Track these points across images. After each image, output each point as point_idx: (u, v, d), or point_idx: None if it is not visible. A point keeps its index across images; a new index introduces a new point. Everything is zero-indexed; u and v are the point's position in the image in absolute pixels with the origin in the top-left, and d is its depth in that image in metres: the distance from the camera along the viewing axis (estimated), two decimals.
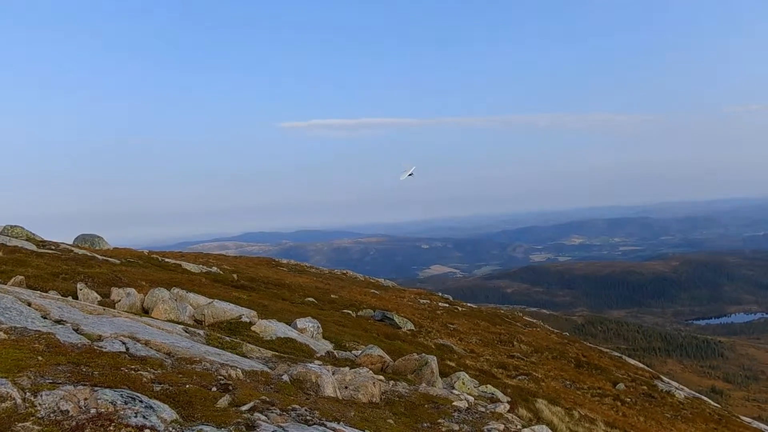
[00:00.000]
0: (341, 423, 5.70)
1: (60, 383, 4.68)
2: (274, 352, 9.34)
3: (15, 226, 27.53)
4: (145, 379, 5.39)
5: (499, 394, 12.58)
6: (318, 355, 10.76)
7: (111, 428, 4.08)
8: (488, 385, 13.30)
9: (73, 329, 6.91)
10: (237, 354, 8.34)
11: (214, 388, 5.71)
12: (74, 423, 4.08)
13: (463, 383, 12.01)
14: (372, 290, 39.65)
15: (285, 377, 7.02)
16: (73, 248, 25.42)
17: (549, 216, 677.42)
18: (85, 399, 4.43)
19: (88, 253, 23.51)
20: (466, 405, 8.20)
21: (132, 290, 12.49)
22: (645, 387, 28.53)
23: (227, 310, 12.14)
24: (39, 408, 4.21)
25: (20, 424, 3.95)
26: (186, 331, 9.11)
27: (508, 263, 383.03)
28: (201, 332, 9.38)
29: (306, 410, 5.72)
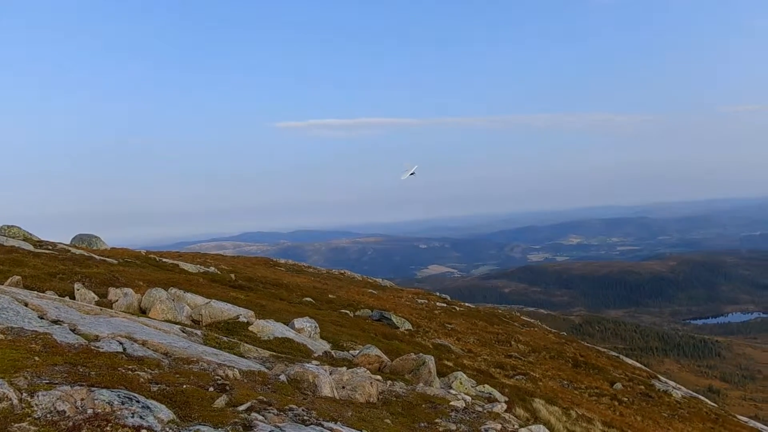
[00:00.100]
0: (338, 423, 5.70)
1: (57, 383, 4.68)
2: (271, 352, 9.34)
3: (12, 226, 27.48)
4: (142, 380, 5.39)
5: (497, 394, 12.61)
6: (315, 355, 10.76)
7: (108, 428, 4.08)
8: (486, 385, 13.32)
9: (70, 329, 6.90)
10: (234, 354, 8.34)
11: (211, 388, 5.71)
12: (71, 423, 4.08)
13: (461, 383, 12.02)
14: (370, 290, 39.65)
15: (282, 377, 7.02)
16: (70, 248, 25.38)
17: (547, 216, 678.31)
18: (82, 399, 4.43)
19: (86, 253, 23.48)
20: (464, 405, 8.22)
21: (129, 290, 12.47)
22: (642, 386, 28.58)
23: (225, 310, 12.13)
24: (36, 408, 4.20)
25: (17, 425, 3.95)
26: (183, 331, 9.11)
27: (506, 263, 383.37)
28: (198, 332, 9.38)
29: (303, 410, 5.73)
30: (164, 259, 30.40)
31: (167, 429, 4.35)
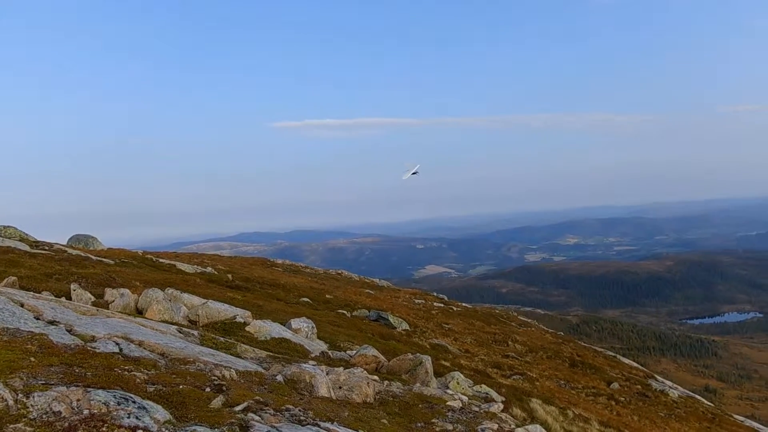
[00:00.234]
0: (335, 423, 5.70)
1: (53, 384, 4.67)
2: (268, 353, 9.33)
3: (8, 226, 27.40)
4: (138, 380, 5.38)
5: (494, 394, 12.62)
6: (312, 355, 10.76)
7: (104, 429, 4.08)
8: (483, 385, 13.34)
9: (66, 330, 6.88)
10: (231, 354, 8.33)
11: (207, 389, 5.71)
12: (67, 424, 4.07)
13: (458, 383, 12.03)
14: (367, 290, 39.65)
15: (279, 377, 7.02)
16: (66, 249, 25.31)
17: (545, 216, 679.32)
18: (78, 400, 4.42)
19: (82, 254, 23.42)
20: (460, 405, 8.22)
21: (126, 291, 12.45)
22: (639, 386, 28.64)
23: (222, 310, 12.12)
24: (31, 409, 4.20)
25: (12, 426, 3.94)
26: (180, 332, 9.09)
27: (503, 263, 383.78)
28: (195, 333, 9.37)
29: (300, 410, 5.73)
30: (161, 260, 30.35)
31: (163, 429, 4.35)
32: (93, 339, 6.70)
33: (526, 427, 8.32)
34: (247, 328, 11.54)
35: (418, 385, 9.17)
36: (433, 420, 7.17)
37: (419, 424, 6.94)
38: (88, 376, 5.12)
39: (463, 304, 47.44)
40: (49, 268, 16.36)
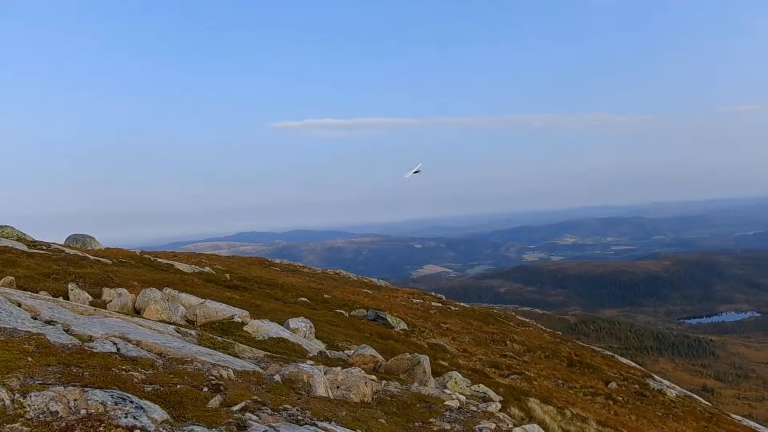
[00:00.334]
0: (332, 423, 5.71)
1: (50, 384, 4.66)
2: (266, 352, 9.33)
3: (5, 226, 27.34)
4: (135, 380, 5.38)
5: (492, 394, 12.62)
6: (310, 355, 10.76)
7: (101, 429, 4.07)
8: (480, 385, 13.34)
9: (64, 330, 6.87)
10: (229, 354, 8.33)
11: (205, 389, 5.71)
12: (64, 424, 4.07)
13: (456, 383, 12.04)
14: (365, 290, 39.64)
15: (277, 377, 7.02)
16: (64, 248, 25.27)
17: (545, 216, 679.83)
18: (75, 400, 4.42)
19: (80, 254, 23.38)
20: (458, 404, 8.23)
21: (123, 290, 12.43)
22: (637, 386, 28.67)
23: (219, 310, 12.11)
24: (28, 409, 4.19)
25: (9, 426, 3.94)
26: (178, 332, 9.09)
27: (501, 263, 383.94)
28: (193, 332, 9.36)
29: (297, 410, 5.73)
30: (159, 260, 30.31)
31: (161, 429, 4.35)
32: (90, 339, 6.69)
33: (524, 426, 8.33)
34: (244, 328, 11.54)
35: (415, 384, 9.17)
36: (430, 419, 7.18)
37: (417, 424, 6.95)
38: (86, 375, 5.12)
39: (461, 304, 47.45)
40: (47, 268, 16.33)
